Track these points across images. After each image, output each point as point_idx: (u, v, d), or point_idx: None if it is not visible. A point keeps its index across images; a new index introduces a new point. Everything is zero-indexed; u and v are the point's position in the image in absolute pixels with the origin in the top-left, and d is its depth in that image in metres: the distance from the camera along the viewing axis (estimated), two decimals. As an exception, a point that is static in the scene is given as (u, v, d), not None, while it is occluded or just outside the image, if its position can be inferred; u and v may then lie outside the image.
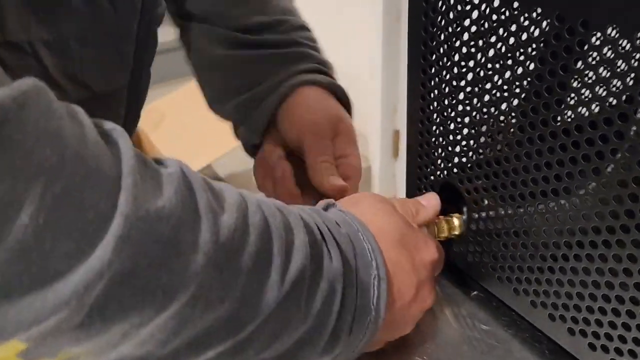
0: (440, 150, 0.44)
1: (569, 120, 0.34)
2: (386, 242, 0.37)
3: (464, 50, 0.39)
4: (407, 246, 0.38)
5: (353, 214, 0.38)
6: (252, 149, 0.58)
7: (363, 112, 1.97)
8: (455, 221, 0.45)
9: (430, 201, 0.44)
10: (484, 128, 0.39)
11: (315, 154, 0.50)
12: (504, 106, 0.37)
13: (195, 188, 0.28)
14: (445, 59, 0.41)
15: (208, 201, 0.28)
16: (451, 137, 0.43)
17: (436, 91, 0.43)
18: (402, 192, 1.92)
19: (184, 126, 2.04)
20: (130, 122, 0.54)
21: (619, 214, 0.31)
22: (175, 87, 2.14)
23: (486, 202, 0.41)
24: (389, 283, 0.36)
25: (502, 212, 0.40)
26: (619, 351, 0.35)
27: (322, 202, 0.40)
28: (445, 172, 0.44)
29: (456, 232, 0.45)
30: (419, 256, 0.38)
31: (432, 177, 0.46)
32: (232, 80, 0.57)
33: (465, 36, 0.39)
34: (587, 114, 0.33)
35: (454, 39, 0.39)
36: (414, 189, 0.49)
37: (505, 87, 0.37)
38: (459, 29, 0.39)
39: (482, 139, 0.40)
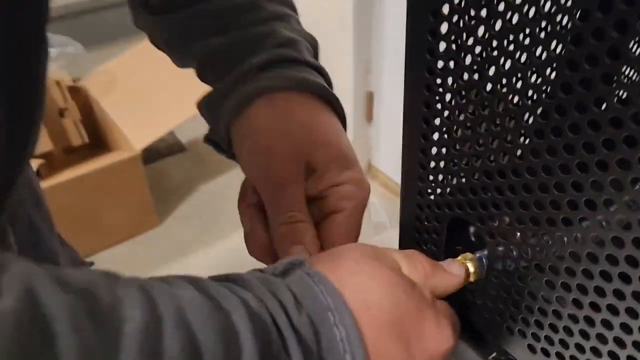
0: (449, 179, 0.32)
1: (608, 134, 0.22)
2: (372, 322, 0.26)
3: (477, 53, 0.27)
4: (406, 329, 0.27)
5: (327, 280, 0.26)
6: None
7: (333, 71, 1.83)
8: (470, 265, 0.33)
9: (453, 267, 0.32)
10: (505, 149, 0.28)
11: (273, 212, 0.36)
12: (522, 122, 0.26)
13: (56, 332, 0.16)
14: (454, 63, 0.28)
15: (81, 349, 0.16)
16: (464, 162, 0.31)
17: (442, 104, 0.30)
18: (376, 159, 1.81)
19: (139, 90, 1.86)
20: (20, 147, 0.36)
21: None
22: (126, 47, 1.94)
23: (511, 240, 0.30)
24: None
25: (532, 255, 0.29)
26: None
27: (286, 261, 0.28)
28: (457, 203, 0.33)
29: (471, 279, 0.34)
30: (422, 345, 0.27)
31: (437, 211, 0.34)
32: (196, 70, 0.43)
33: (479, 34, 0.26)
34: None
35: (465, 40, 0.27)
36: (411, 231, 0.37)
37: (528, 98, 0.25)
38: (473, 24, 0.26)
39: (504, 162, 0.28)
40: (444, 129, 0.31)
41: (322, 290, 0.25)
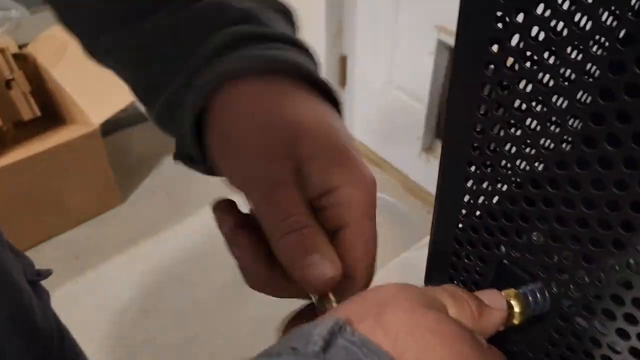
0: (501, 217, 0.27)
1: None
2: None
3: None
4: None
5: (380, 349, 0.21)
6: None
7: (303, 32, 1.73)
8: (515, 304, 0.28)
9: (495, 299, 0.27)
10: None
11: (271, 221, 0.28)
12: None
13: None
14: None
15: None
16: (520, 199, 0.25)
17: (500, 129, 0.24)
18: (350, 126, 1.74)
19: (93, 56, 1.73)
20: None
21: None
22: (76, 8, 1.78)
23: (592, 305, 0.25)
24: None
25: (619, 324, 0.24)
26: None
27: (324, 330, 0.21)
28: (513, 244, 0.27)
29: (516, 321, 0.28)
30: None
31: (483, 250, 0.29)
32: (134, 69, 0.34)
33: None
34: None
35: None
36: (444, 266, 0.31)
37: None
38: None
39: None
40: (502, 149, 0.25)
41: None
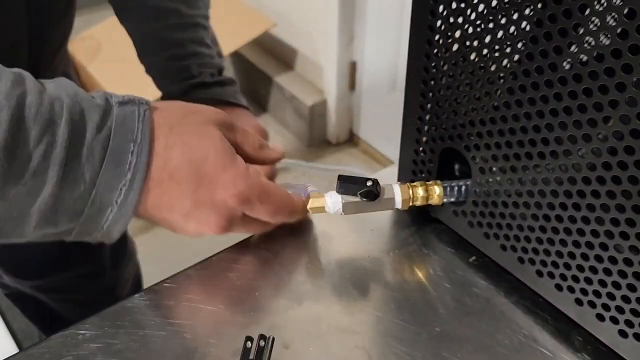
0: (444, 113, 0.41)
1: (569, 70, 0.32)
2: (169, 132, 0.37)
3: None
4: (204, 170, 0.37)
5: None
6: None
7: (317, 40, 1.90)
8: (436, 189, 0.43)
9: (275, 150, 0.45)
10: (490, 85, 0.36)
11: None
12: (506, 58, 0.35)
13: None
14: (456, 12, 0.37)
15: None
16: (456, 98, 0.40)
17: (444, 49, 0.39)
18: (358, 127, 1.90)
19: (125, 56, 1.88)
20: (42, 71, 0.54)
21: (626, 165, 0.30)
22: (110, 12, 1.94)
23: (491, 165, 0.39)
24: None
25: (509, 176, 0.38)
26: (629, 323, 0.35)
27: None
28: (449, 136, 0.41)
29: (436, 201, 0.43)
30: (220, 178, 0.37)
31: (432, 142, 0.43)
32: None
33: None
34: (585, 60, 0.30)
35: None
36: (409, 163, 0.46)
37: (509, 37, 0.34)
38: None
39: (487, 96, 0.37)
40: (438, 88, 0.40)
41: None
